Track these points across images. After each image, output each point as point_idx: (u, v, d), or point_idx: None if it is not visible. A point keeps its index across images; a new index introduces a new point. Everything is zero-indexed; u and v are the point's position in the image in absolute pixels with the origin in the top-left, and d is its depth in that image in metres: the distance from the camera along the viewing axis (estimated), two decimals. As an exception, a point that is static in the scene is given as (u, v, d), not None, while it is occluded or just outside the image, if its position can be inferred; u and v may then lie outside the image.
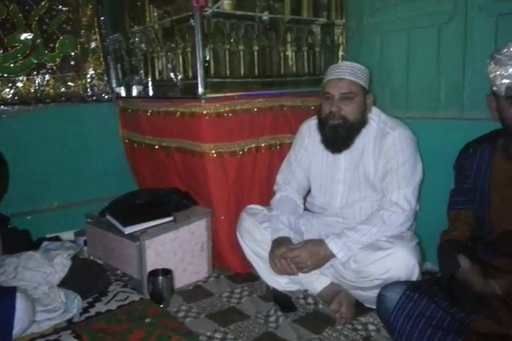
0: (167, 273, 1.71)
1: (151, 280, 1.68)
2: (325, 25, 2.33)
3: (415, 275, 1.50)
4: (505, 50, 1.11)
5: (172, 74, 2.14)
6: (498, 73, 1.12)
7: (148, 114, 2.24)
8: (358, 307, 1.67)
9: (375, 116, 1.74)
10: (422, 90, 2.09)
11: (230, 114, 1.94)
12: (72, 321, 1.60)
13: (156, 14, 2.22)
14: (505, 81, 1.10)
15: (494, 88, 1.16)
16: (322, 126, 1.73)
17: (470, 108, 1.91)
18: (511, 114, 1.14)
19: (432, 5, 1.99)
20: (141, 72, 2.37)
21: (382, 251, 1.52)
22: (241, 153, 1.99)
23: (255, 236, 1.82)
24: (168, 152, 2.17)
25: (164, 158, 2.24)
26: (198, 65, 1.83)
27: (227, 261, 2.06)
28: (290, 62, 2.21)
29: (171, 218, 1.90)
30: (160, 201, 2.06)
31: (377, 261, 1.51)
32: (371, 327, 1.56)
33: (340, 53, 2.40)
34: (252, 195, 2.08)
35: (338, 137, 1.69)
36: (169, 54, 2.16)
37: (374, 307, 1.58)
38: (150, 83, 2.30)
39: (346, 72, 1.64)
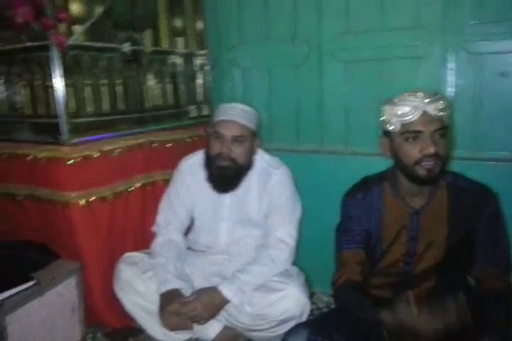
0: (38, 352, 1.45)
1: (19, 365, 1.40)
2: (186, 55, 2.28)
3: (307, 311, 1.58)
4: (399, 97, 1.23)
5: (14, 110, 1.84)
6: (392, 113, 1.21)
7: (-14, 155, 1.87)
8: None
9: (259, 156, 1.78)
10: (284, 124, 2.22)
11: (97, 155, 1.75)
12: None
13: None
14: (400, 119, 1.20)
15: (390, 127, 1.24)
16: (209, 164, 1.70)
17: (330, 142, 2.11)
18: (405, 148, 1.22)
19: (287, 46, 2.13)
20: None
21: (276, 293, 1.55)
22: (112, 196, 1.81)
23: (138, 289, 1.67)
24: (17, 200, 1.85)
25: (11, 207, 1.89)
26: (60, 106, 1.60)
27: (103, 317, 1.84)
28: (155, 96, 2.10)
29: (32, 282, 1.61)
30: (12, 260, 1.73)
31: (273, 304, 1.53)
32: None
33: (201, 82, 2.39)
34: (125, 240, 1.91)
35: (225, 178, 1.68)
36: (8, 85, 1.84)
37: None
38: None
39: (239, 114, 1.64)
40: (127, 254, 1.77)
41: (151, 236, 1.82)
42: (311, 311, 1.84)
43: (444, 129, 1.20)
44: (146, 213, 1.93)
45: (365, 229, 1.35)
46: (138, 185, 1.92)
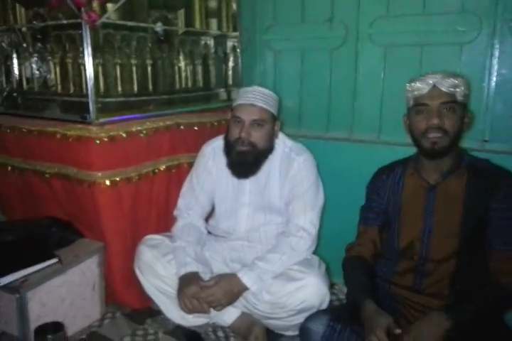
0: (58, 328, 1.46)
1: (39, 339, 1.41)
2: (218, 36, 2.23)
3: (326, 302, 1.54)
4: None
5: (46, 88, 1.84)
6: (409, 89, 1.29)
7: (16, 132, 1.89)
8: (269, 334, 1.66)
9: (281, 142, 1.72)
10: (314, 110, 2.15)
11: (124, 135, 1.73)
12: None
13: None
14: (414, 93, 1.27)
15: (408, 103, 1.31)
16: (229, 149, 1.66)
17: (362, 130, 2.02)
18: (415, 120, 1.28)
19: (323, 29, 2.05)
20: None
21: (295, 282, 1.52)
22: (137, 178, 1.80)
23: (158, 271, 1.67)
24: (44, 178, 1.86)
25: (38, 184, 1.91)
26: (89, 85, 1.58)
27: (123, 297, 1.86)
28: (184, 78, 2.07)
29: (55, 260, 1.63)
30: (38, 237, 1.75)
31: (292, 293, 1.50)
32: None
33: (231, 64, 2.34)
34: (149, 221, 1.90)
35: (245, 163, 1.64)
36: (41, 63, 1.85)
37: (285, 333, 1.64)
38: (14, 95, 1.94)
39: (258, 98, 1.59)
40: (148, 236, 1.77)
41: (174, 219, 1.80)
42: (331, 302, 1.80)
43: (453, 103, 1.23)
44: (170, 196, 1.92)
45: (384, 207, 1.41)
46: (163, 167, 1.91)
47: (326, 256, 1.78)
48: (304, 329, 1.35)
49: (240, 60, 2.30)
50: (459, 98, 1.24)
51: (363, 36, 1.94)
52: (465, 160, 1.30)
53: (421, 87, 1.25)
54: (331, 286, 1.98)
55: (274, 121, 1.65)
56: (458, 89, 1.24)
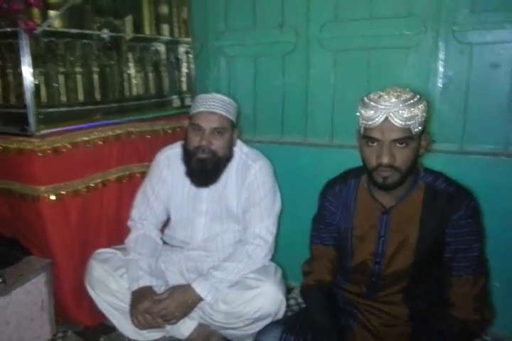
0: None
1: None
2: (169, 42, 2.19)
3: (283, 309, 1.52)
4: (372, 96, 1.15)
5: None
6: (360, 113, 1.17)
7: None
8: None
9: (237, 148, 1.70)
10: (269, 115, 2.15)
11: (70, 147, 1.67)
12: None
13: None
14: (364, 122, 1.15)
15: (359, 126, 1.20)
16: (188, 157, 1.62)
17: (315, 134, 2.03)
18: (366, 152, 1.19)
19: (275, 35, 2.04)
20: None
21: (251, 290, 1.49)
22: (85, 190, 1.74)
23: (109, 286, 1.60)
24: (-14, 193, 1.77)
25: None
26: (27, 95, 1.52)
27: (74, 314, 1.79)
28: (135, 85, 2.01)
29: (-1, 280, 1.55)
30: (-20, 256, 1.66)
31: (248, 301, 1.47)
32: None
33: (185, 71, 2.30)
34: (100, 236, 1.84)
35: (205, 171, 1.61)
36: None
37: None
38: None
39: (218, 105, 1.56)
40: (99, 251, 1.70)
41: (127, 231, 1.74)
42: (290, 306, 1.78)
43: (406, 139, 1.12)
44: (122, 207, 1.86)
45: (337, 227, 1.34)
46: (114, 178, 1.85)
47: (282, 260, 1.77)
48: None
49: (193, 66, 2.27)
50: (414, 130, 1.12)
51: (313, 41, 1.95)
52: (421, 179, 1.24)
53: (371, 117, 1.12)
54: (290, 291, 1.97)
55: (233, 129, 1.63)
56: (413, 121, 1.10)
